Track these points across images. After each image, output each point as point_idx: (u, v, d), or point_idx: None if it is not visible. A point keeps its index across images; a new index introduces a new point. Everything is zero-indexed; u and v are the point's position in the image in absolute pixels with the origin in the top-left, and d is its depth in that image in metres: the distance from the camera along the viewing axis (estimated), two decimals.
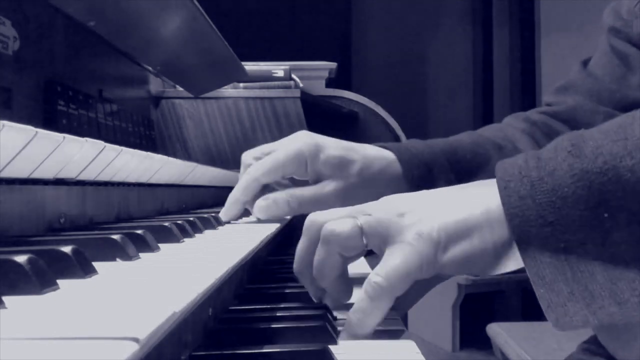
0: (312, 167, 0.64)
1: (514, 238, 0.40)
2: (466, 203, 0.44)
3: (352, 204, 0.64)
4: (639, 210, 0.36)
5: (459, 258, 0.43)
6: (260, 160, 0.66)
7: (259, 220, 0.69)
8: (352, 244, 0.46)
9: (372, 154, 0.65)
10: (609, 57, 0.75)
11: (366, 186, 0.64)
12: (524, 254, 0.39)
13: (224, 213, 0.69)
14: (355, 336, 0.44)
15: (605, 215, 0.37)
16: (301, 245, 0.50)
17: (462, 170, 0.67)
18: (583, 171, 0.38)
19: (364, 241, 0.46)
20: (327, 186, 0.64)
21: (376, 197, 0.64)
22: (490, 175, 0.66)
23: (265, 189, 0.67)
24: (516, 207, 0.40)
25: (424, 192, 0.48)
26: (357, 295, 0.46)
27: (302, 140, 0.65)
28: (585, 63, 0.79)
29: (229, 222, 0.70)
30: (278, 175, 0.65)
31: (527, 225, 0.39)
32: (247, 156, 0.67)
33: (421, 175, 0.65)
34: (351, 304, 0.47)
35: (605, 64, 0.75)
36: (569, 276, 0.37)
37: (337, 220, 0.46)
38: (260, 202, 0.65)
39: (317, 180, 0.65)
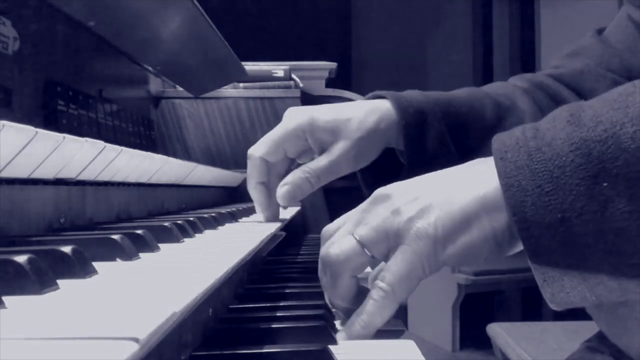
0: (312, 137, 0.64)
1: (509, 209, 0.39)
2: (461, 190, 0.43)
3: (365, 163, 0.64)
4: (637, 177, 0.35)
5: (460, 251, 0.42)
6: (260, 140, 0.65)
7: (270, 219, 0.69)
8: (357, 262, 0.45)
9: (367, 107, 0.65)
10: (626, 25, 0.74)
11: (369, 139, 0.63)
12: (520, 225, 0.38)
13: (258, 209, 0.68)
14: (356, 337, 0.45)
15: (605, 184, 0.36)
16: (323, 281, 0.48)
17: (456, 122, 0.66)
18: (582, 140, 0.37)
19: (368, 254, 0.45)
20: (336, 149, 0.63)
21: (381, 148, 0.64)
22: (483, 131, 0.65)
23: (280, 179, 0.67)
24: (512, 177, 0.39)
25: (416, 179, 0.47)
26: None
27: (295, 115, 0.65)
28: (599, 31, 0.78)
29: (274, 220, 0.69)
30: (281, 153, 0.65)
31: (523, 195, 0.38)
32: (251, 149, 0.66)
33: (415, 123, 0.63)
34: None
35: (621, 32, 0.74)
36: (567, 248, 0.36)
37: (335, 244, 0.46)
38: (280, 190, 0.64)
39: (320, 150, 0.65)
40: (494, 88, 0.73)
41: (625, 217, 0.35)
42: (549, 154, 0.38)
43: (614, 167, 0.36)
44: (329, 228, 0.50)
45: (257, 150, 0.65)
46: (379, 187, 0.48)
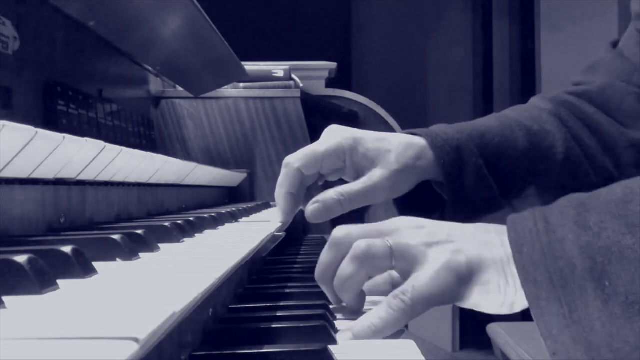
0: (352, 160, 0.64)
1: (527, 297, 0.44)
2: (491, 248, 0.48)
3: (398, 194, 0.66)
4: (631, 281, 0.41)
5: (481, 294, 0.47)
6: (299, 150, 0.65)
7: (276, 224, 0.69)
8: (382, 264, 0.48)
9: (405, 141, 0.66)
10: (636, 39, 0.75)
11: (407, 172, 0.65)
12: (535, 311, 0.44)
13: (279, 213, 0.67)
14: (362, 338, 0.46)
15: (607, 284, 0.41)
16: (327, 256, 0.51)
17: (491, 154, 0.67)
18: (589, 244, 0.42)
19: (393, 263, 0.48)
20: (374, 176, 0.64)
21: (416, 182, 0.66)
22: (517, 160, 0.68)
23: (311, 195, 0.67)
24: (530, 273, 0.44)
25: (453, 224, 0.51)
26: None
27: (340, 134, 0.65)
28: (614, 44, 0.78)
29: (287, 221, 0.69)
30: (317, 168, 0.65)
31: (539, 290, 0.43)
32: (289, 158, 0.66)
33: (452, 161, 0.65)
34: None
35: (633, 46, 0.75)
36: (573, 331, 0.42)
37: (369, 241, 0.48)
38: (310, 207, 0.64)
39: (355, 174, 0.65)
40: (520, 113, 0.74)
41: (622, 310, 0.41)
42: (560, 252, 0.43)
43: (616, 271, 0.41)
44: (345, 233, 0.50)
45: (296, 161, 0.64)
46: (413, 214, 0.52)
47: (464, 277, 0.47)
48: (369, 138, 0.65)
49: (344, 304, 0.52)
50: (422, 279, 0.46)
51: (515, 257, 0.45)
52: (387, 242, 0.48)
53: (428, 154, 0.66)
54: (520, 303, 0.47)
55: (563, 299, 0.42)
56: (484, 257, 0.47)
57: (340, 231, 0.51)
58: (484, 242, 0.48)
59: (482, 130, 0.69)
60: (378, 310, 0.46)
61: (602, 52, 0.79)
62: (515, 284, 0.46)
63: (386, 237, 0.49)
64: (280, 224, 0.69)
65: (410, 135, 0.67)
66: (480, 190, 0.66)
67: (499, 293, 0.47)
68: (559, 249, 0.43)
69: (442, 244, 0.48)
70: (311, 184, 0.67)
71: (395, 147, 0.65)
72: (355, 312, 0.51)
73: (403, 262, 0.48)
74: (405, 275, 0.48)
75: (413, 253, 0.47)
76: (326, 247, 0.51)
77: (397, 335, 0.47)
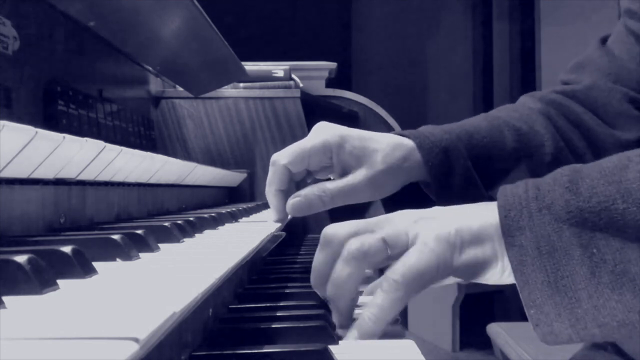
0: (338, 158, 0.64)
1: (511, 263, 0.43)
2: (480, 214, 0.47)
3: (382, 195, 0.66)
4: (621, 248, 0.40)
5: (472, 263, 0.46)
6: (286, 148, 0.65)
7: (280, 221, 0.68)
8: (378, 257, 0.47)
9: (393, 142, 0.66)
10: (625, 36, 0.74)
11: (392, 173, 0.65)
12: (518, 278, 0.43)
13: (272, 212, 0.67)
14: (363, 336, 0.45)
15: (594, 251, 0.41)
16: (320, 259, 0.49)
17: (479, 156, 0.67)
18: (578, 209, 0.42)
19: (389, 252, 0.47)
20: (357, 176, 0.64)
21: (402, 184, 0.66)
22: (506, 161, 0.67)
23: (295, 189, 0.67)
24: (515, 237, 0.43)
25: (438, 207, 0.51)
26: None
27: (327, 131, 0.65)
28: (603, 40, 0.78)
29: (282, 220, 0.68)
30: (304, 164, 0.65)
31: (524, 255, 0.42)
32: (276, 155, 0.66)
33: (440, 162, 0.65)
34: None
35: (622, 43, 0.74)
36: (558, 301, 0.41)
37: (358, 238, 0.47)
38: (292, 200, 0.65)
39: (342, 172, 0.65)
40: (509, 112, 0.73)
41: (609, 280, 0.40)
42: (548, 217, 0.42)
43: (604, 237, 0.41)
44: (334, 231, 0.49)
45: (283, 158, 0.64)
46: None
47: (455, 246, 0.46)
48: (356, 136, 0.65)
49: (335, 310, 0.49)
50: (411, 255, 0.45)
51: (502, 222, 0.44)
52: (378, 235, 0.47)
53: (415, 155, 0.65)
54: (513, 276, 0.45)
55: (549, 266, 0.41)
56: (474, 226, 0.46)
57: (330, 229, 0.50)
58: (473, 212, 0.48)
59: (471, 131, 0.69)
60: (374, 299, 0.45)
61: (590, 49, 0.78)
62: (505, 251, 0.45)
63: (377, 230, 0.48)
64: (275, 223, 0.69)
65: (399, 136, 0.67)
66: (468, 192, 0.66)
67: (495, 261, 0.46)
68: (546, 214, 0.42)
69: (430, 220, 0.47)
70: (299, 180, 0.67)
71: (382, 148, 0.65)
72: (343, 324, 0.48)
73: (398, 249, 0.47)
74: None
75: (404, 237, 0.47)
76: (318, 248, 0.50)
77: (397, 335, 0.47)
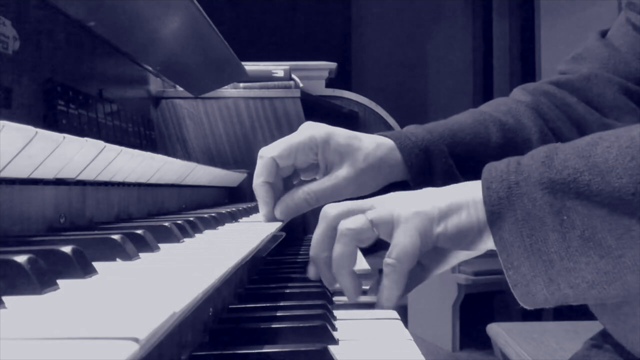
0: (323, 154, 0.66)
1: (491, 230, 0.47)
2: (456, 191, 0.52)
3: (365, 192, 0.68)
4: (588, 215, 0.44)
5: (452, 230, 0.50)
6: (274, 142, 0.67)
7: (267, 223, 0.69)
8: (365, 236, 0.53)
9: (376, 142, 0.68)
10: (626, 29, 0.75)
11: (374, 171, 0.67)
12: (498, 242, 0.47)
13: (260, 205, 0.68)
14: (383, 307, 0.52)
15: (565, 217, 0.44)
16: (318, 232, 0.55)
17: (462, 152, 0.68)
18: (550, 180, 0.46)
19: (375, 232, 0.52)
20: (340, 174, 0.66)
21: (385, 182, 0.69)
22: (490, 157, 0.68)
23: (283, 189, 0.68)
24: (495, 205, 0.47)
25: (420, 190, 0.55)
26: None
27: (314, 128, 0.67)
28: (603, 33, 0.78)
29: (276, 220, 0.69)
30: (291, 159, 0.66)
31: (502, 222, 0.47)
32: (264, 149, 0.67)
33: (420, 163, 0.67)
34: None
35: (623, 35, 0.75)
36: (533, 262, 0.45)
37: (350, 219, 0.53)
38: (279, 205, 0.67)
39: (326, 168, 0.67)
40: (497, 107, 0.74)
41: (578, 244, 0.44)
42: (525, 188, 0.46)
43: (572, 205, 0.44)
44: (330, 210, 0.55)
45: (270, 152, 0.66)
46: None
47: (433, 218, 0.50)
48: (341, 134, 0.67)
49: (338, 285, 0.55)
50: (398, 236, 0.51)
51: (483, 193, 0.48)
52: (366, 215, 0.52)
53: (397, 155, 0.67)
54: (492, 239, 0.49)
55: (525, 232, 0.45)
56: (450, 198, 0.51)
57: (327, 208, 0.56)
58: (452, 188, 0.52)
59: (455, 128, 0.70)
60: (382, 283, 0.52)
61: (589, 40, 0.78)
62: (485, 217, 0.48)
63: (367, 211, 0.53)
64: (264, 217, 0.68)
65: (382, 137, 0.69)
66: None
67: (472, 227, 0.50)
68: (523, 185, 0.46)
69: (412, 200, 0.52)
70: (286, 178, 0.69)
71: (365, 146, 0.66)
72: (352, 297, 0.54)
73: (383, 228, 0.52)
74: (391, 239, 0.52)
75: (388, 219, 0.52)
76: (318, 224, 0.55)
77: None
